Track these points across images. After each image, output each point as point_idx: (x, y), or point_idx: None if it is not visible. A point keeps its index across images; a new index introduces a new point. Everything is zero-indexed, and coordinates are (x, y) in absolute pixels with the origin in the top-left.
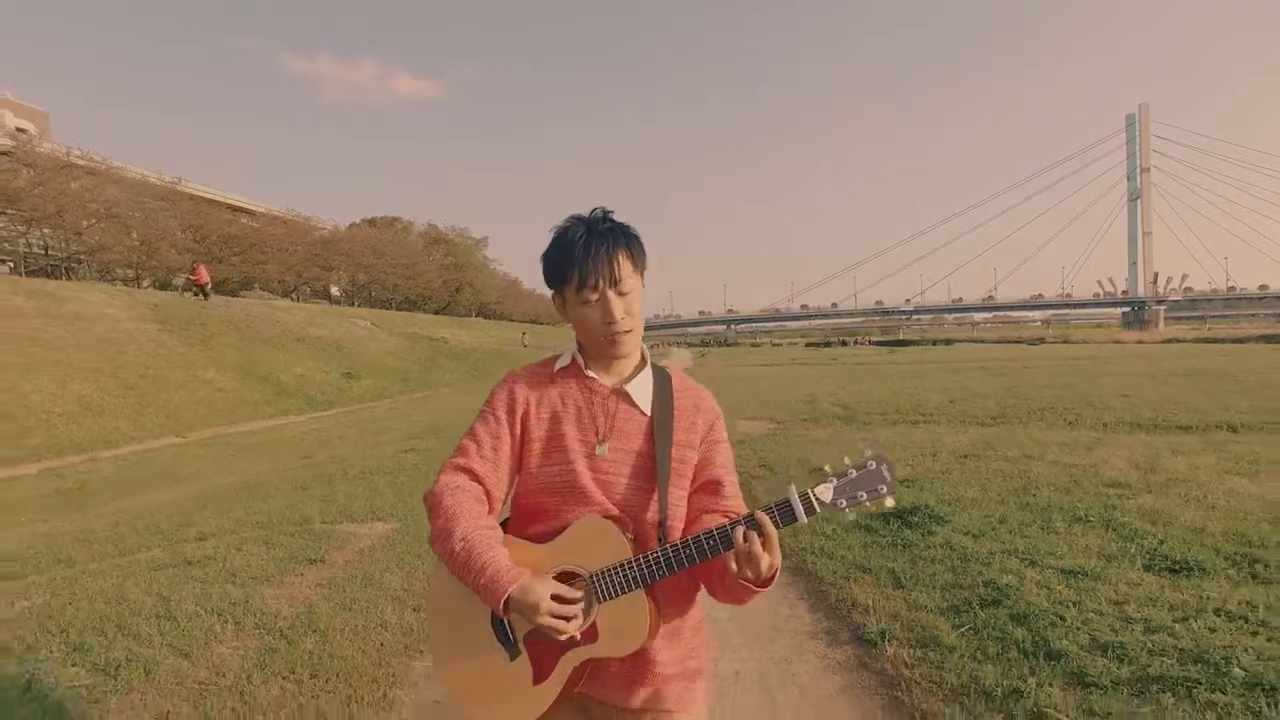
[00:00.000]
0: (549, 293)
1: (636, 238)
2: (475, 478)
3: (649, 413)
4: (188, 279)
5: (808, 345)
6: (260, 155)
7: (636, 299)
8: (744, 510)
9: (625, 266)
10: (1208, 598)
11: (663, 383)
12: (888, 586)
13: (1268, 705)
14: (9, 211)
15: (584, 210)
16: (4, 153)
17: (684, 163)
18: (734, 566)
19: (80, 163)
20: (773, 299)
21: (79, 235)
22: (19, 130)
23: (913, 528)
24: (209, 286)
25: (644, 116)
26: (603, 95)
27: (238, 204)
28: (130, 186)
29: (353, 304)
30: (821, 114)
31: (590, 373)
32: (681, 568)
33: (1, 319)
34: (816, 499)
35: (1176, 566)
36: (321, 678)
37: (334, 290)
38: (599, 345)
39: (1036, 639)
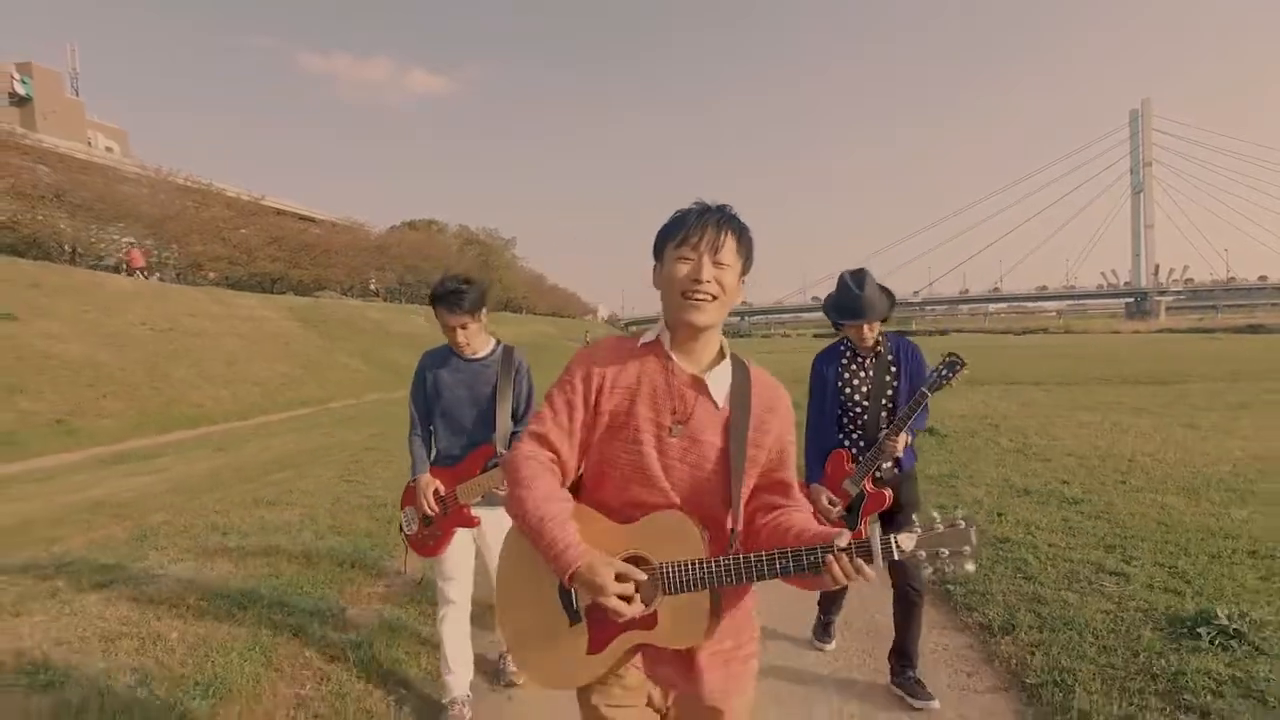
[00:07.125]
0: (575, 291)
1: (749, 234)
2: (549, 445)
3: (723, 407)
4: (123, 263)
5: (815, 335)
6: (276, 152)
7: (732, 280)
8: (808, 513)
9: (730, 243)
10: None
11: (742, 377)
12: None
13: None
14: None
15: (601, 212)
16: (132, 178)
17: (693, 161)
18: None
19: (193, 187)
20: (786, 291)
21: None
22: (108, 149)
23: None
24: (144, 270)
25: (650, 115)
26: (612, 93)
27: (305, 214)
28: (227, 204)
29: (394, 301)
30: (828, 114)
31: (672, 354)
32: (752, 581)
33: (214, 321)
34: (897, 546)
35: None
36: None
37: (372, 286)
38: (676, 308)
39: None
